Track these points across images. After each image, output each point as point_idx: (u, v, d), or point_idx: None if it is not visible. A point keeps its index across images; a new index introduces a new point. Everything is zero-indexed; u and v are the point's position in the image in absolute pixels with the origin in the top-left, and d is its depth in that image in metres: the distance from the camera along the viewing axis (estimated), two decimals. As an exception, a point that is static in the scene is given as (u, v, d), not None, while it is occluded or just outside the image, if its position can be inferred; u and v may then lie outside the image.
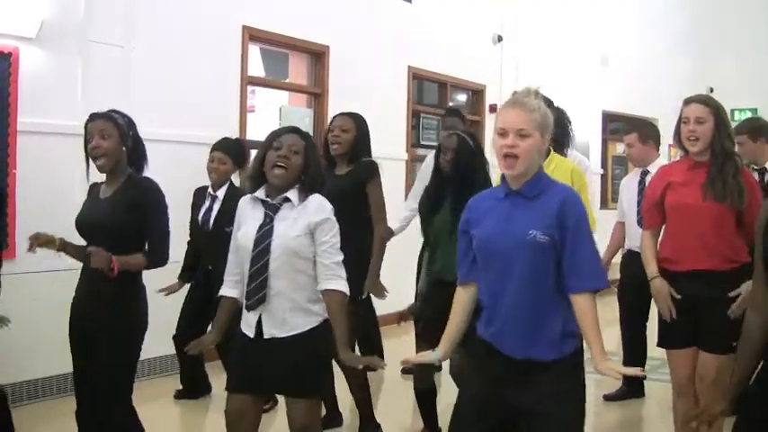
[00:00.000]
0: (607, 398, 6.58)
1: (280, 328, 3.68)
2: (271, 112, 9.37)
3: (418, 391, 5.11)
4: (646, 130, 6.57)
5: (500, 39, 11.73)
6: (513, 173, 3.15)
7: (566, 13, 12.73)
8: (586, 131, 12.92)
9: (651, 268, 4.49)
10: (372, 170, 5.31)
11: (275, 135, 3.77)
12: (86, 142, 4.03)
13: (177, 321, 6.19)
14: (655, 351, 5.17)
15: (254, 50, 8.84)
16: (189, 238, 6.21)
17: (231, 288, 3.90)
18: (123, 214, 3.94)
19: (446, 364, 4.88)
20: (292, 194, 3.72)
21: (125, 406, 4.05)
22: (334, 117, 5.47)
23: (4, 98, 5.88)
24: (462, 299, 3.46)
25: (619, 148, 14.25)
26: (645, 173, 6.39)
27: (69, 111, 6.15)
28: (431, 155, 7.49)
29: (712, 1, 16.93)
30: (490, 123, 11.58)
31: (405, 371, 6.86)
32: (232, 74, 7.76)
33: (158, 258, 4.06)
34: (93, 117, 4.05)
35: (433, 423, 5.21)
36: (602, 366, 3.06)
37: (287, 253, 3.64)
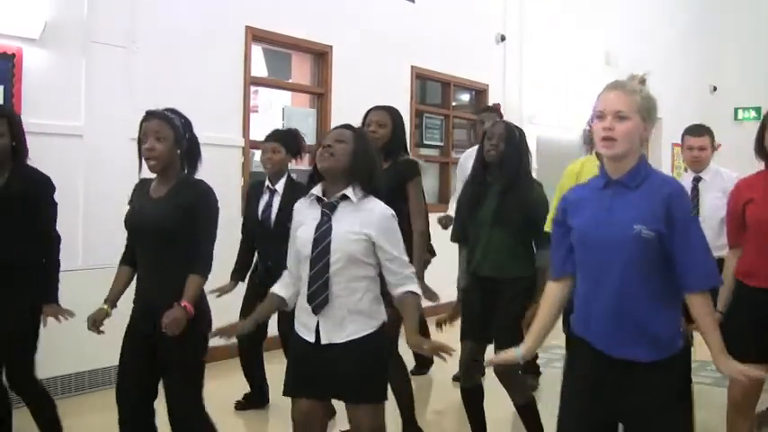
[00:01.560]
0: None
1: (338, 334, 3.60)
2: (274, 113, 9.39)
3: (465, 391, 5.01)
4: (712, 133, 6.11)
5: (503, 38, 11.73)
6: (611, 153, 3.03)
7: (569, 12, 12.73)
8: (591, 131, 12.91)
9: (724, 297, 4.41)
10: (415, 170, 5.23)
11: (324, 134, 3.70)
12: (140, 141, 3.96)
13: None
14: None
15: (257, 51, 8.86)
16: (242, 236, 6.07)
17: (284, 287, 3.86)
18: (176, 216, 3.87)
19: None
20: (350, 192, 3.62)
21: (199, 407, 4.02)
22: (368, 111, 5.33)
23: (8, 99, 5.89)
24: (553, 294, 3.31)
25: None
26: (698, 179, 5.95)
27: (73, 111, 6.18)
28: (464, 154, 7.48)
29: (716, 0, 16.94)
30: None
31: (456, 378, 6.85)
32: (235, 74, 7.77)
33: (207, 266, 3.98)
34: (149, 116, 3.96)
35: (480, 428, 5.08)
36: (725, 366, 2.98)
37: (346, 256, 3.56)
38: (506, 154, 4.76)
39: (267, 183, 5.91)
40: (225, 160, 7.46)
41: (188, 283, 3.86)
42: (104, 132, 6.38)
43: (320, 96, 8.96)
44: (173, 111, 4.07)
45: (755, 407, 4.49)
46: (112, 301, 4.12)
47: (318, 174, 3.71)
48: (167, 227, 3.87)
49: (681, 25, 15.95)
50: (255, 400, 6.20)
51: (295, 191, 5.60)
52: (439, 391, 6.86)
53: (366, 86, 8.91)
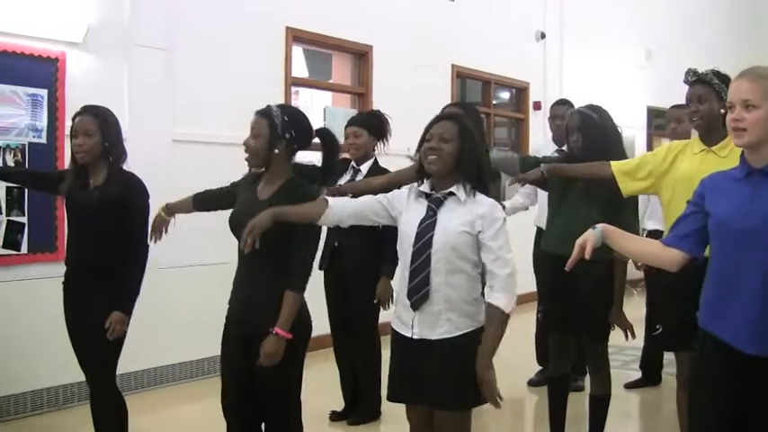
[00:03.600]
0: (627, 386, 6.92)
1: (432, 330, 3.51)
2: (315, 113, 9.41)
3: (553, 380, 5.05)
4: None
5: (543, 36, 11.68)
6: (740, 142, 2.95)
7: (609, 8, 12.65)
8: (632, 127, 12.84)
9: None
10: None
11: (428, 126, 3.60)
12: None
13: (330, 326, 5.96)
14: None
15: (298, 51, 8.87)
16: None
17: (336, 202, 3.76)
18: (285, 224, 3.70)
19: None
20: (457, 189, 3.53)
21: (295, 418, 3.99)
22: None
23: (53, 103, 5.95)
24: (661, 249, 3.21)
25: (664, 143, 14.12)
26: None
27: (116, 114, 6.21)
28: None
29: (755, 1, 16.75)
30: (535, 121, 11.57)
31: (531, 383, 6.88)
32: (276, 75, 7.79)
33: (304, 281, 3.79)
34: (257, 112, 3.90)
35: (561, 427, 5.05)
36: None
37: (448, 248, 3.45)
38: (587, 147, 4.69)
39: (353, 162, 5.82)
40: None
41: (284, 301, 3.71)
42: (148, 134, 6.40)
43: (361, 96, 8.97)
44: (283, 107, 3.99)
45: None
46: (169, 206, 4.25)
47: (424, 169, 3.61)
48: (274, 230, 3.68)
49: (722, 22, 15.78)
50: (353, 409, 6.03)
51: (377, 173, 5.57)
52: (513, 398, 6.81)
53: (406, 86, 8.90)
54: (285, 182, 3.86)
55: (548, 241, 4.93)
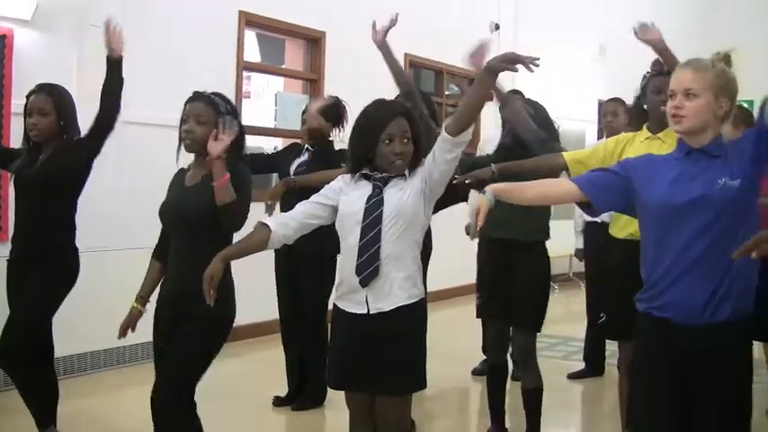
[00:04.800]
0: (571, 376, 6.99)
1: (386, 301, 3.49)
2: (266, 98, 9.37)
3: (492, 368, 5.08)
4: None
5: (497, 27, 11.71)
6: (679, 128, 3.06)
7: (564, 1, 12.71)
8: (583, 120, 12.93)
9: None
10: None
11: (386, 120, 3.54)
12: (182, 122, 3.87)
13: (279, 311, 5.97)
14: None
15: (251, 36, 8.83)
16: None
17: (277, 223, 3.60)
18: (211, 203, 3.71)
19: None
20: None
21: (185, 396, 3.88)
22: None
23: (-1, 80, 5.86)
24: (561, 186, 3.41)
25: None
26: None
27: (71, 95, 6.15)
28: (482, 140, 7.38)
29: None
30: (487, 112, 11.55)
31: (475, 372, 6.89)
32: (228, 59, 7.74)
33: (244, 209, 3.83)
34: (195, 97, 3.89)
35: (500, 414, 5.11)
36: None
37: (399, 217, 3.46)
38: (517, 141, 4.77)
39: (307, 144, 5.85)
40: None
41: None
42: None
43: (313, 83, 8.93)
44: (219, 95, 3.98)
45: None
46: (144, 297, 4.05)
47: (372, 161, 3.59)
48: (195, 216, 3.77)
49: (679, 20, 15.93)
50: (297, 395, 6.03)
51: (330, 153, 5.58)
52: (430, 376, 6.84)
53: (359, 73, 8.86)
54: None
55: (487, 225, 4.94)
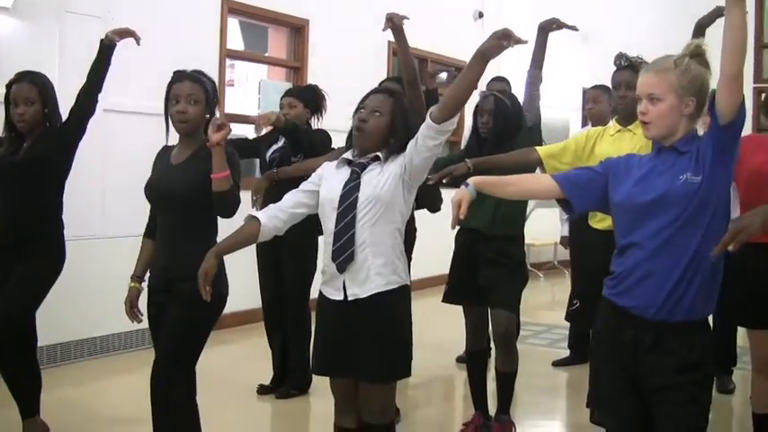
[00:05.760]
0: (555, 364, 7.01)
1: (362, 287, 3.50)
2: (250, 86, 9.34)
3: (470, 354, 5.09)
4: None
5: (481, 15, 11.71)
6: (648, 135, 3.07)
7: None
8: (567, 108, 12.94)
9: None
10: None
11: (362, 99, 3.61)
12: (167, 100, 3.86)
13: (261, 298, 5.98)
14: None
15: (234, 24, 8.80)
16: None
17: (266, 215, 3.62)
18: (199, 180, 3.73)
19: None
20: (382, 153, 3.55)
21: (183, 380, 3.90)
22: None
23: (-20, 68, 5.81)
24: (538, 181, 3.39)
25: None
26: None
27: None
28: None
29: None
30: (471, 100, 11.56)
31: (459, 359, 6.86)
32: (211, 47, 7.72)
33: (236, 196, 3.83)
34: (181, 77, 3.86)
35: (482, 400, 5.11)
36: None
37: (375, 203, 3.46)
38: (496, 130, 4.77)
39: None
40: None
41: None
42: (78, 103, 6.29)
43: (296, 71, 8.91)
44: (203, 74, 3.97)
45: None
46: (139, 276, 4.04)
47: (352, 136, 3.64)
48: (181, 193, 3.78)
49: (664, 10, 15.93)
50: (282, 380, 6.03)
51: (311, 137, 5.57)
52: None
53: (343, 61, 8.87)
54: (199, 146, 3.86)
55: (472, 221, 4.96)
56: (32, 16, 6.16)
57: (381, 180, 3.49)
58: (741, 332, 4.82)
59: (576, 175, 3.29)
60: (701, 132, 3.12)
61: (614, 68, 4.72)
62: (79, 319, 6.14)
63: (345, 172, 3.58)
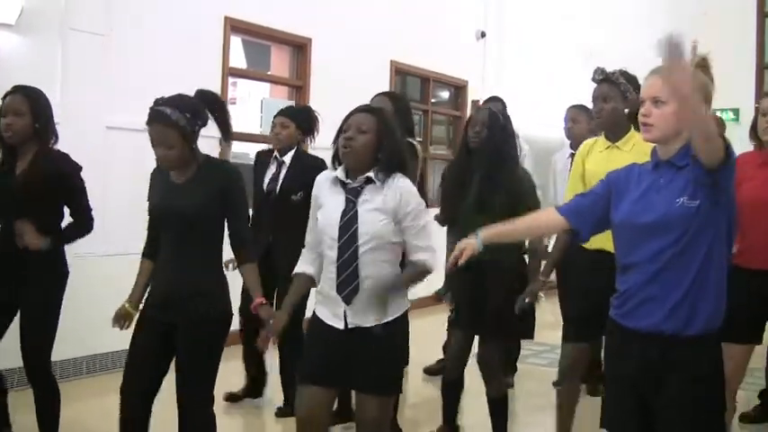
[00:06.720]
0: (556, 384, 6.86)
1: (364, 317, 3.53)
2: (252, 104, 9.36)
3: (446, 382, 5.07)
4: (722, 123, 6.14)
5: (483, 35, 11.73)
6: (647, 137, 3.05)
7: (550, 9, 12.73)
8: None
9: None
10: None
11: (346, 117, 3.65)
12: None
13: (240, 305, 5.77)
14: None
15: (236, 42, 8.81)
16: (252, 210, 5.73)
17: (309, 264, 3.76)
18: (205, 201, 3.78)
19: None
20: (373, 174, 3.56)
21: (210, 399, 3.99)
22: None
23: (-18, 85, 5.82)
24: (548, 219, 3.36)
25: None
26: None
27: (48, 99, 6.10)
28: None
29: (695, 2, 16.99)
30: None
31: (427, 371, 6.79)
32: (213, 65, 7.71)
33: (252, 247, 4.03)
34: (153, 119, 3.85)
35: (452, 419, 5.15)
36: None
37: (374, 238, 3.51)
38: (488, 141, 4.74)
39: (275, 153, 5.81)
40: (201, 150, 7.40)
41: (249, 274, 3.92)
42: (81, 120, 6.28)
43: (299, 89, 8.92)
44: (177, 104, 3.95)
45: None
46: (136, 301, 4.04)
47: (339, 157, 3.66)
48: (197, 213, 3.79)
49: (661, 24, 15.98)
50: (253, 390, 6.08)
51: (303, 163, 5.55)
52: (413, 384, 6.82)
53: (345, 80, 8.87)
54: (200, 164, 3.88)
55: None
56: (35, 33, 6.16)
57: (378, 218, 3.53)
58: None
59: (579, 204, 3.29)
60: None
61: None
62: (77, 336, 6.11)
63: (340, 197, 3.60)
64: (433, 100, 11.33)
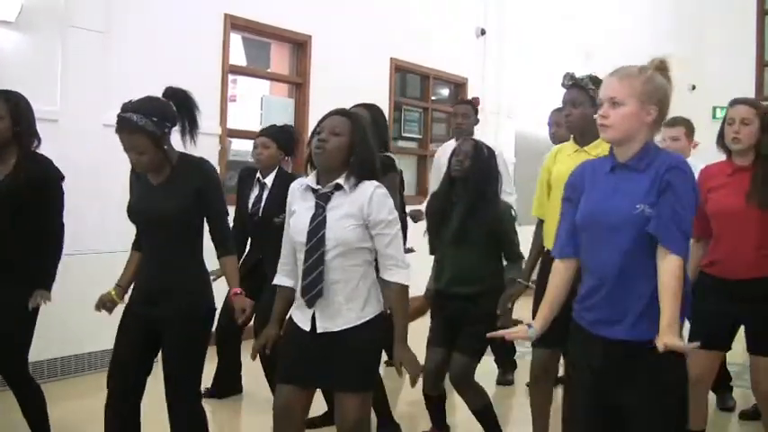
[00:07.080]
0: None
1: (333, 322, 3.56)
2: (252, 102, 9.34)
3: (428, 397, 5.06)
4: (691, 125, 6.19)
5: (483, 32, 11.71)
6: (604, 137, 3.07)
7: (550, 7, 12.72)
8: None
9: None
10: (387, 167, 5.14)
11: (320, 120, 3.65)
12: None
13: (219, 314, 5.94)
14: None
15: (236, 39, 8.80)
16: (234, 224, 5.74)
17: (286, 277, 3.80)
18: (185, 200, 3.82)
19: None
20: (343, 180, 3.57)
21: (197, 393, 4.06)
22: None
23: (-18, 82, 5.81)
24: (559, 272, 3.28)
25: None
26: None
27: (48, 96, 6.11)
28: (440, 149, 7.42)
29: (695, 2, 16.98)
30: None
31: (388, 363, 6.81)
32: (213, 62, 7.71)
33: (232, 241, 4.09)
34: (122, 127, 3.79)
35: (440, 422, 5.19)
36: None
37: (341, 244, 3.51)
38: (472, 172, 4.79)
39: (258, 175, 5.86)
40: (202, 149, 7.38)
41: (228, 266, 4.01)
42: (79, 118, 6.30)
43: (299, 86, 8.91)
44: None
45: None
46: (123, 287, 4.09)
47: (312, 161, 3.66)
48: (174, 214, 3.82)
49: (661, 24, 15.97)
50: (229, 387, 6.16)
51: (286, 185, 5.56)
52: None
53: (345, 77, 8.87)
54: (176, 164, 3.91)
55: (439, 280, 4.98)
56: (35, 30, 6.16)
57: (346, 224, 3.53)
58: (740, 350, 4.81)
59: (568, 232, 3.26)
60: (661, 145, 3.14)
61: None
62: (68, 335, 6.09)
63: (311, 203, 3.62)
64: (433, 97, 11.32)
